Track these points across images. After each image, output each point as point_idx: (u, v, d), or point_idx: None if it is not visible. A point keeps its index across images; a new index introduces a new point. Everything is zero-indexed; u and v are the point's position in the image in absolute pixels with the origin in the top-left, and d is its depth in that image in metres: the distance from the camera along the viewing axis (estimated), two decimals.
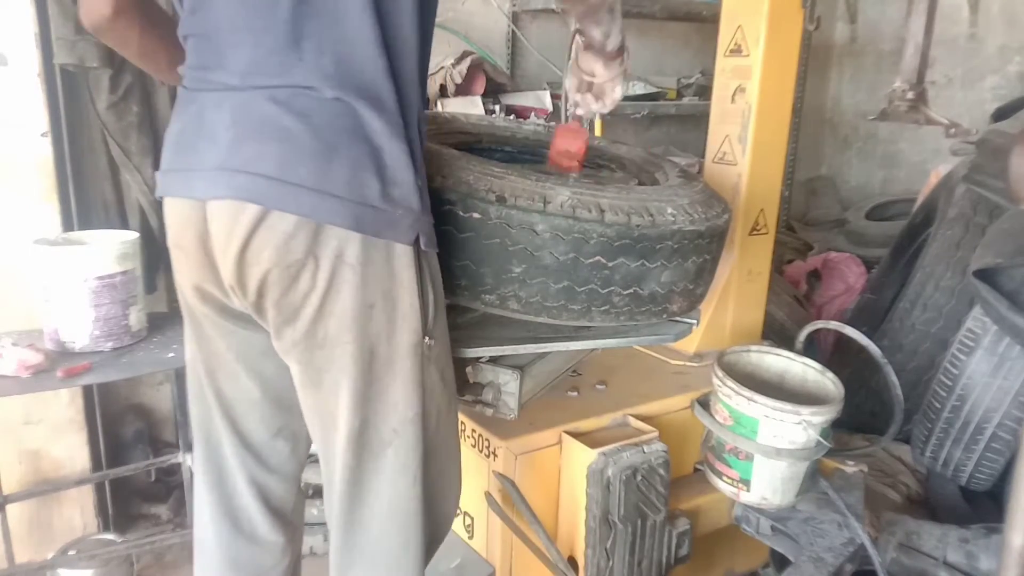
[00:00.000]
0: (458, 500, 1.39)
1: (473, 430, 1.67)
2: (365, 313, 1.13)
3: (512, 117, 2.85)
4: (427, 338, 1.19)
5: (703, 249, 1.52)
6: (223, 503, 1.36)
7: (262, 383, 1.31)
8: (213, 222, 1.12)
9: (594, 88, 1.57)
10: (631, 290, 1.44)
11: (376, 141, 1.10)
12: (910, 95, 2.25)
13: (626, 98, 3.41)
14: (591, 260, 1.38)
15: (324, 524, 2.41)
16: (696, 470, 1.92)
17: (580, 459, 1.60)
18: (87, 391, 2.40)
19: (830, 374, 1.76)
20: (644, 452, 1.62)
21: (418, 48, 1.17)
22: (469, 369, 1.63)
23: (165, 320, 2.28)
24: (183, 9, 1.18)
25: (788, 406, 1.60)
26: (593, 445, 1.60)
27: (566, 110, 2.88)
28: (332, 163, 1.07)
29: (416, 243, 1.15)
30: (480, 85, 2.93)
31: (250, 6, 1.10)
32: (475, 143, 1.91)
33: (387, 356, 1.16)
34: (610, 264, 1.39)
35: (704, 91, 3.52)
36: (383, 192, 1.10)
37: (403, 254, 1.14)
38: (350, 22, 1.09)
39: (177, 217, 1.18)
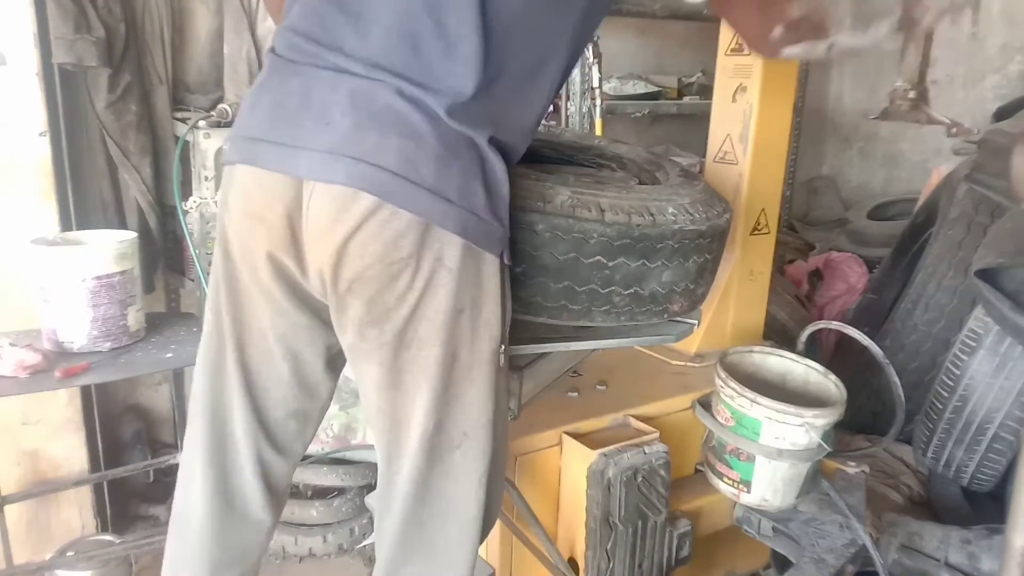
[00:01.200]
0: (502, 496, 1.40)
1: None
2: (454, 318, 1.14)
3: None
4: (503, 346, 1.21)
5: (704, 249, 1.51)
6: (220, 480, 1.35)
7: (294, 367, 1.30)
8: (316, 205, 1.10)
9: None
10: (632, 290, 1.43)
11: (484, 152, 1.12)
12: (911, 94, 2.24)
13: (626, 97, 3.40)
14: (591, 260, 1.37)
15: (324, 525, 2.41)
16: (697, 471, 1.92)
17: (580, 460, 1.60)
18: (85, 391, 2.40)
19: (832, 376, 1.75)
20: (645, 453, 1.62)
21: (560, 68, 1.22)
22: None
23: (164, 320, 2.27)
24: None
25: (791, 408, 1.59)
26: (593, 446, 1.60)
27: (566, 109, 2.88)
28: (451, 168, 1.09)
29: (502, 256, 1.18)
30: None
31: None
32: None
33: (468, 361, 1.17)
34: (610, 264, 1.38)
35: (705, 90, 3.52)
36: (487, 203, 1.12)
37: (491, 264, 1.16)
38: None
39: (260, 188, 1.15)
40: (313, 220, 1.11)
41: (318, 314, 1.24)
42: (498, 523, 1.59)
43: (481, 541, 1.34)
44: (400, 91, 1.08)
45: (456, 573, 1.26)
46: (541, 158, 2.07)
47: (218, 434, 1.34)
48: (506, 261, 1.20)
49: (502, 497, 1.40)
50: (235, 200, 1.20)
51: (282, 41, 1.18)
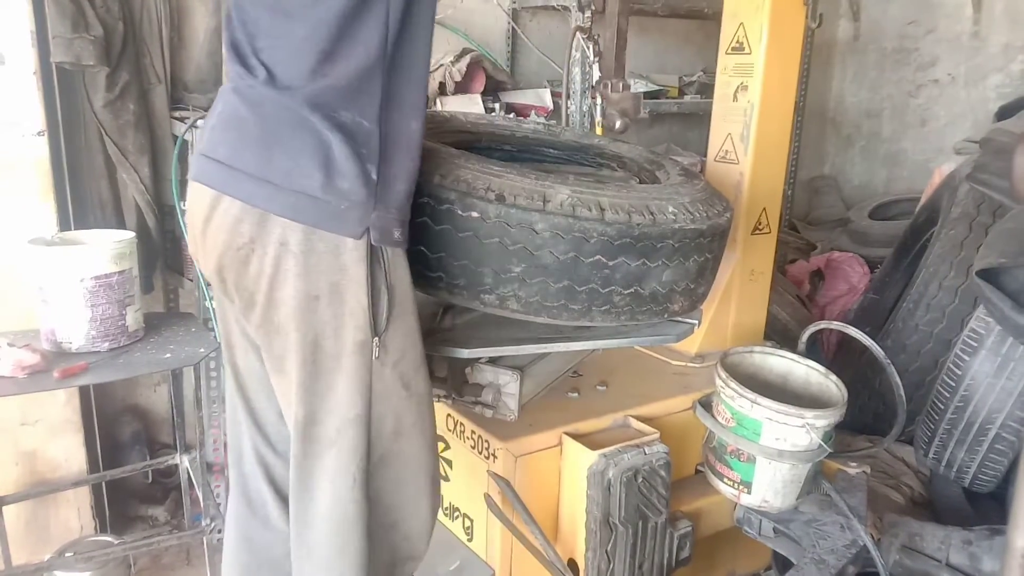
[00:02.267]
0: (433, 518, 1.37)
1: (472, 431, 1.66)
2: (310, 305, 1.14)
3: (512, 115, 2.83)
4: (376, 339, 1.18)
5: (704, 248, 1.50)
6: (240, 482, 1.41)
7: (261, 361, 1.33)
8: (190, 203, 1.21)
9: None
10: (632, 289, 1.43)
11: (322, 132, 1.11)
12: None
13: None
14: (591, 259, 1.36)
15: None
16: (698, 472, 1.91)
17: (580, 461, 1.59)
18: (84, 392, 2.39)
19: (834, 377, 1.75)
20: (645, 453, 1.61)
21: (378, 38, 1.14)
22: (469, 370, 1.62)
23: (162, 320, 2.27)
24: None
25: (792, 409, 1.59)
26: (594, 447, 1.59)
27: (567, 108, 2.87)
28: (274, 152, 1.11)
29: (368, 237, 1.15)
30: (480, 83, 2.91)
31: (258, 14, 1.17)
32: (475, 142, 1.89)
33: (334, 351, 1.17)
34: (610, 263, 1.38)
35: (706, 89, 3.50)
36: (326, 183, 1.11)
37: (353, 248, 1.14)
38: (292, 19, 1.13)
39: (189, 198, 1.27)
40: (192, 222, 1.21)
41: None
42: (497, 524, 1.59)
43: (401, 566, 1.32)
44: (237, 89, 1.15)
45: None
46: (541, 157, 2.06)
47: (235, 436, 1.40)
48: (376, 243, 1.15)
49: (427, 517, 1.35)
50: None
51: None
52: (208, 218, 1.15)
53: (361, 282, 1.15)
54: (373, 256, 1.15)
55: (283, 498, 1.38)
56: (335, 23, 1.10)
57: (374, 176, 1.14)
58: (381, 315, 1.18)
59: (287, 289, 1.14)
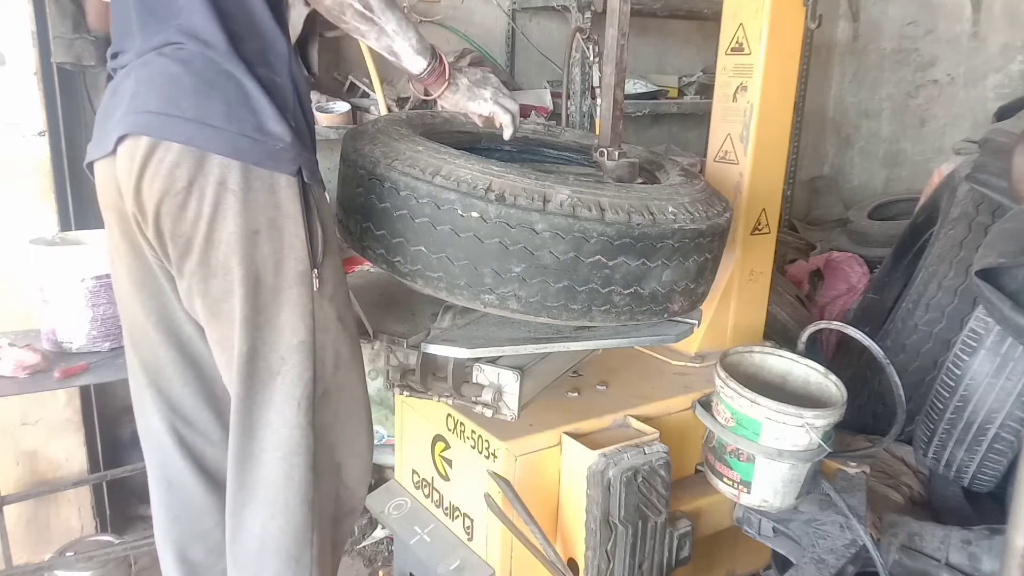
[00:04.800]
0: (370, 460, 1.42)
1: (472, 431, 1.66)
2: (250, 239, 1.19)
3: None
4: (315, 270, 1.24)
5: (704, 248, 1.51)
6: (159, 470, 1.44)
7: (179, 347, 1.38)
8: (118, 167, 1.22)
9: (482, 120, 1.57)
10: (632, 289, 1.43)
11: (242, 81, 1.18)
12: None
13: (627, 96, 3.39)
14: (591, 259, 1.37)
15: None
16: (697, 471, 1.91)
17: (580, 460, 1.59)
18: (84, 392, 2.39)
19: (833, 377, 1.75)
20: (645, 453, 1.61)
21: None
22: (469, 369, 1.62)
23: None
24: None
25: (791, 409, 1.59)
26: (594, 446, 1.59)
27: (566, 109, 2.87)
28: (211, 99, 1.17)
29: (300, 176, 1.22)
30: None
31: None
32: (475, 142, 1.89)
33: (274, 284, 1.22)
34: (610, 263, 1.38)
35: (706, 89, 3.51)
36: (258, 125, 1.18)
37: (287, 186, 1.21)
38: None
39: (100, 178, 1.29)
40: (121, 180, 1.22)
41: (175, 281, 1.30)
42: (497, 524, 1.59)
43: (341, 520, 1.37)
44: (160, 52, 1.19)
45: (286, 517, 1.27)
46: (541, 157, 2.07)
47: (148, 429, 1.45)
48: (308, 180, 1.23)
49: (363, 463, 1.41)
50: (99, 200, 1.33)
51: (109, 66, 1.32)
52: (142, 170, 1.18)
53: (297, 217, 1.21)
54: (304, 194, 1.23)
55: (208, 474, 1.43)
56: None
57: (292, 123, 1.22)
58: (317, 248, 1.24)
59: (227, 226, 1.18)
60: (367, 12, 1.28)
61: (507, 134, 1.54)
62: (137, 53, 1.23)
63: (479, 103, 1.49)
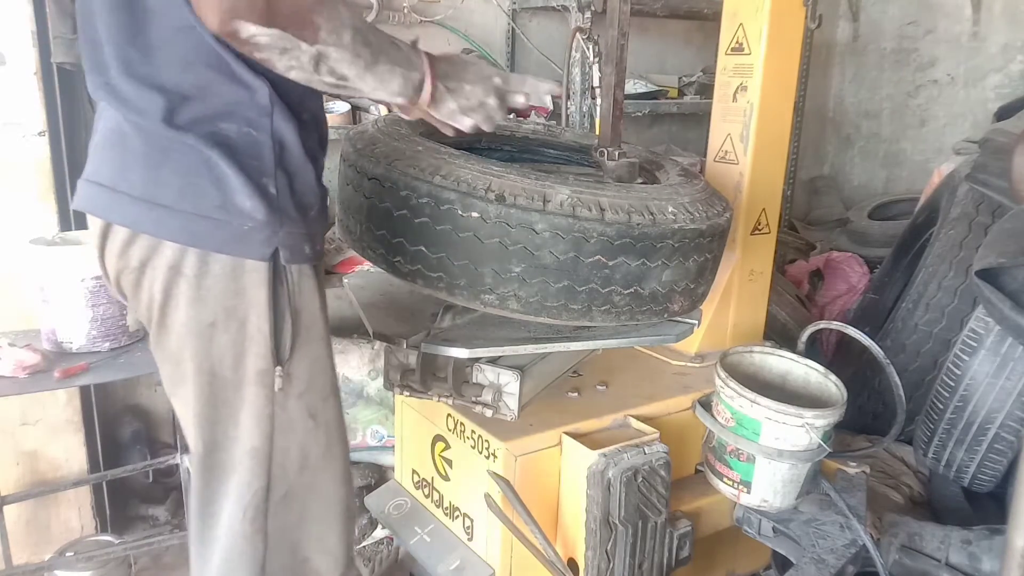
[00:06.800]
0: (348, 551, 1.27)
1: (472, 431, 1.66)
2: (204, 332, 1.06)
3: (512, 116, 2.83)
4: (279, 367, 1.09)
5: (704, 248, 1.50)
6: None
7: None
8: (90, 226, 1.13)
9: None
10: (632, 289, 1.43)
11: (199, 148, 1.01)
12: None
13: (627, 96, 3.39)
14: (591, 259, 1.37)
15: None
16: (697, 471, 1.91)
17: (580, 460, 1.59)
18: (84, 392, 2.39)
19: (833, 377, 1.75)
20: (645, 453, 1.61)
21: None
22: (469, 369, 1.62)
23: None
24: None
25: (791, 409, 1.59)
26: (594, 446, 1.59)
27: (566, 109, 2.87)
28: (162, 169, 1.01)
29: (275, 259, 1.06)
30: None
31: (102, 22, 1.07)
32: (474, 142, 1.89)
33: (233, 381, 1.09)
34: (610, 263, 1.38)
35: (706, 89, 3.50)
36: (222, 201, 1.02)
37: (254, 270, 1.05)
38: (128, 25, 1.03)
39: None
40: (96, 245, 1.13)
41: None
42: (498, 524, 1.59)
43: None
44: (116, 106, 1.04)
45: None
46: (541, 158, 2.07)
47: None
48: (286, 262, 1.07)
49: (338, 556, 1.25)
50: None
51: None
52: (102, 241, 1.08)
53: (262, 306, 1.06)
54: (276, 277, 1.07)
55: None
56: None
57: (272, 189, 1.04)
58: (285, 342, 1.09)
59: (179, 316, 1.06)
60: (342, 83, 1.05)
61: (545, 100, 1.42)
62: (97, 88, 1.08)
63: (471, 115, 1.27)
